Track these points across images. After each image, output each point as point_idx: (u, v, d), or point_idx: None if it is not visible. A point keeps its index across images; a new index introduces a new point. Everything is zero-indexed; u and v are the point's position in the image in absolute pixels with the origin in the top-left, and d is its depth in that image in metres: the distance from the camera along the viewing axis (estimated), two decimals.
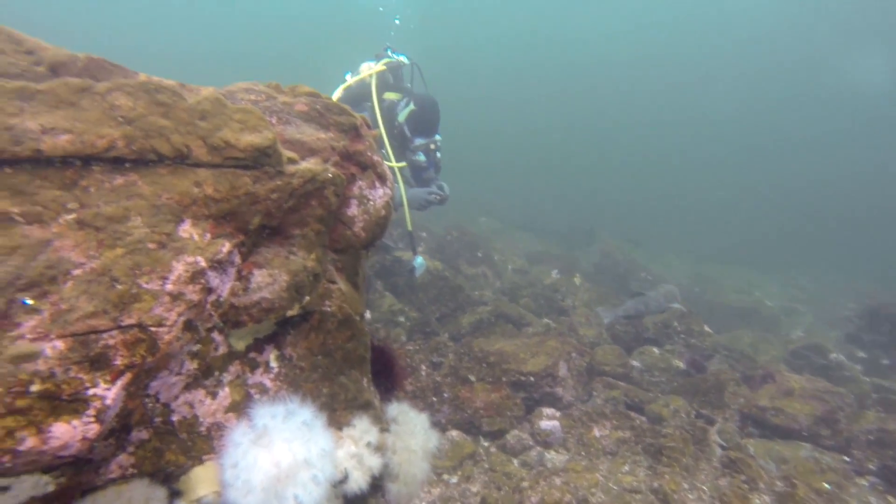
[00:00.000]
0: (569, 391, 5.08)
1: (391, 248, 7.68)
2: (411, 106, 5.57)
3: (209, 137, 2.03)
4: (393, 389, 2.74)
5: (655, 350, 6.40)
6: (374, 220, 2.51)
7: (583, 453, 4.46)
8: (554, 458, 4.43)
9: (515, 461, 4.37)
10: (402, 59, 6.24)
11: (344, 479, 2.14)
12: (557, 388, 4.98)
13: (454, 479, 4.08)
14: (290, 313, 2.03)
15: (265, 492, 1.77)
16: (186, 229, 1.87)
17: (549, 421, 4.68)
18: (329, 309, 2.25)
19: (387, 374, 2.75)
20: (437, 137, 5.72)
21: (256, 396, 1.99)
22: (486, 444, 4.63)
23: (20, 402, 1.43)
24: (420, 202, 5.63)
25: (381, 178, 2.62)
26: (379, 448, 2.22)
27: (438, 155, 5.86)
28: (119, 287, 1.65)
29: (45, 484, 1.52)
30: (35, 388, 1.45)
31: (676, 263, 15.64)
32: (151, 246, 1.77)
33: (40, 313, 1.56)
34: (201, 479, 1.82)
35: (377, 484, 2.27)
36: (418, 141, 5.66)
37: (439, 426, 4.71)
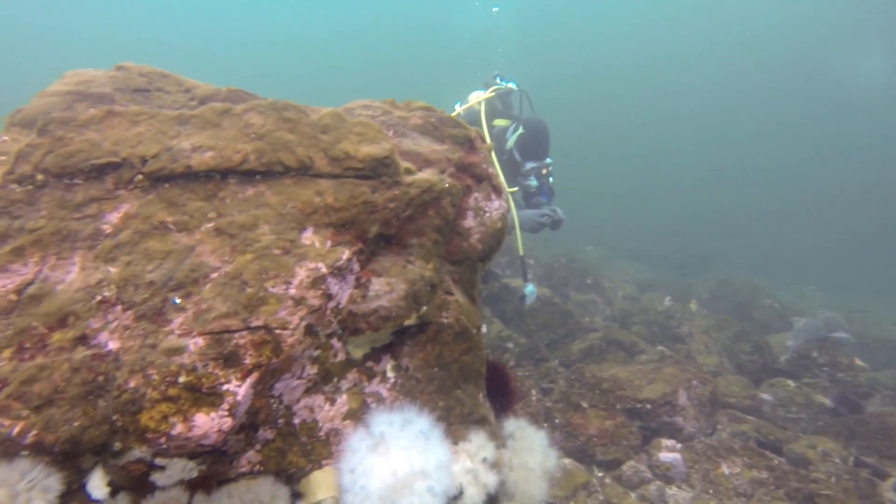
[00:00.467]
0: (690, 422, 4.67)
1: (498, 275, 7.61)
2: (520, 130, 5.53)
3: (330, 149, 2.11)
4: (507, 408, 2.65)
5: (790, 383, 5.74)
6: (490, 232, 2.48)
7: (710, 492, 4.05)
8: (677, 494, 4.06)
9: (633, 495, 4.06)
10: (511, 85, 6.24)
11: (458, 495, 2.08)
12: (677, 417, 4.60)
13: None
14: (407, 322, 2.03)
15: (381, 500, 1.75)
16: (309, 237, 1.94)
17: (669, 453, 4.32)
18: (446, 320, 2.23)
19: (501, 393, 2.67)
20: (548, 161, 5.59)
21: (373, 405, 2.00)
22: (599, 474, 4.35)
23: (172, 391, 1.53)
24: (532, 224, 5.46)
25: (497, 191, 2.60)
26: (495, 465, 2.14)
27: (551, 180, 5.74)
28: (248, 290, 1.74)
29: (190, 469, 1.60)
30: (182, 379, 1.55)
31: (810, 292, 14.10)
32: (277, 252, 1.85)
33: (186, 312, 1.67)
34: (321, 483, 1.84)
35: (492, 502, 2.18)
36: (529, 165, 5.55)
37: None
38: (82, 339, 1.59)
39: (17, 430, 1.44)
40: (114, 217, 1.81)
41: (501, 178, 2.65)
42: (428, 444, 1.83)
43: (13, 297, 1.64)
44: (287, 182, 2.04)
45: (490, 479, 2.10)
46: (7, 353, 1.54)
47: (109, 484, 1.58)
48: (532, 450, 2.14)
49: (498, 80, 6.37)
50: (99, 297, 1.66)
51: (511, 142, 5.52)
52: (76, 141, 1.88)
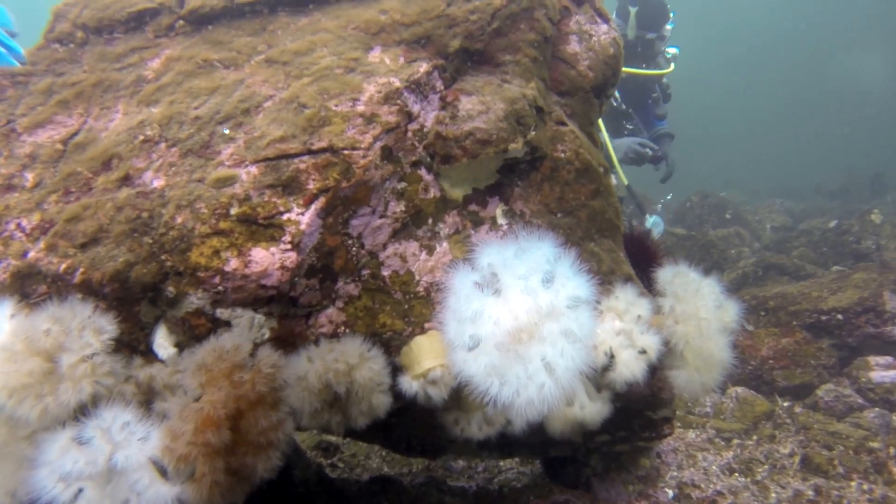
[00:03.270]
0: None
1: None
2: (635, 7, 4.86)
3: None
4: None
5: None
6: (601, 59, 1.97)
7: None
8: None
9: (841, 425, 3.24)
10: None
11: (609, 364, 1.59)
12: (888, 327, 3.64)
13: (751, 442, 3.15)
14: (512, 148, 1.59)
15: (502, 351, 1.32)
16: (377, 55, 1.58)
17: (887, 371, 3.41)
18: (563, 154, 1.76)
19: (647, 267, 2.12)
20: (669, 26, 4.81)
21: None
22: (785, 403, 3.56)
23: (223, 224, 1.25)
24: (630, 152, 4.74)
25: (602, 15, 2.08)
26: (654, 325, 1.62)
27: (665, 82, 4.99)
28: (307, 111, 1.41)
29: (260, 325, 1.29)
30: (234, 210, 1.26)
31: None
32: (339, 71, 1.51)
33: (236, 142, 1.38)
34: (425, 350, 1.45)
35: (654, 372, 1.66)
36: (649, 35, 4.76)
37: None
38: (126, 180, 1.36)
39: (63, 266, 1.22)
40: (155, 63, 1.59)
41: (604, 6, 2.12)
42: (555, 273, 1.36)
43: (59, 146, 1.46)
44: (345, 5, 1.70)
45: (650, 341, 1.58)
46: (54, 197, 1.36)
47: (177, 345, 1.31)
48: (702, 295, 1.58)
49: None
50: (142, 137, 1.42)
51: (631, 31, 4.73)
52: None
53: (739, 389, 3.63)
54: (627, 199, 5.00)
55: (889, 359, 3.59)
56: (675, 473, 2.74)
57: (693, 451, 2.93)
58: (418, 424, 1.97)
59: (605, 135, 4.54)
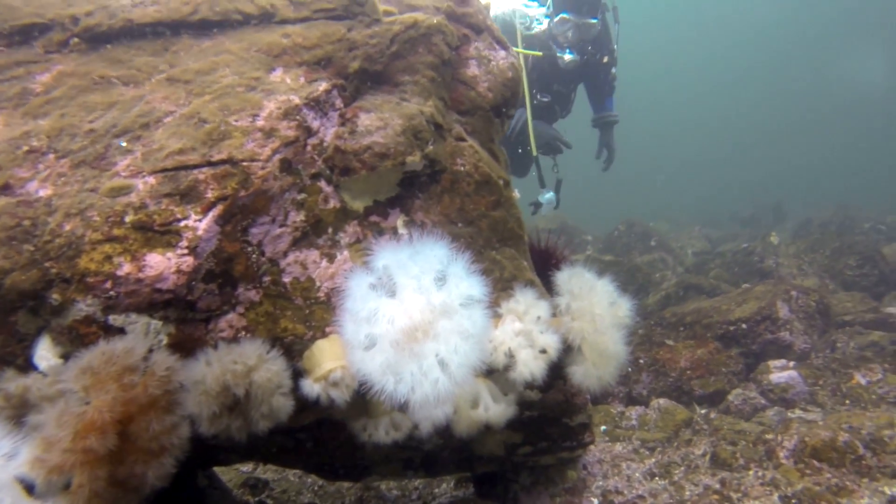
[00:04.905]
0: (799, 337, 3.98)
1: None
2: None
3: None
4: None
5: None
6: (500, 80, 2.12)
7: (848, 403, 3.36)
8: (803, 416, 3.40)
9: (747, 425, 3.43)
10: None
11: (509, 364, 1.66)
12: (782, 332, 3.93)
13: (671, 448, 3.28)
14: (409, 160, 1.68)
15: (397, 349, 1.37)
16: (278, 75, 1.65)
17: (782, 373, 3.66)
18: (462, 168, 1.86)
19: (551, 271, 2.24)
20: (593, 21, 4.32)
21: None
22: (702, 410, 3.74)
23: (117, 231, 1.26)
24: (547, 138, 4.54)
25: (501, 43, 2.24)
26: (552, 326, 1.71)
27: (613, 70, 4.69)
28: (207, 126, 1.45)
29: (156, 331, 1.29)
30: (129, 218, 1.28)
31: None
32: (240, 90, 1.56)
33: (133, 154, 1.41)
34: (326, 353, 1.48)
35: (555, 370, 1.74)
36: (562, 16, 4.31)
37: (641, 400, 3.94)
38: (6, 189, 1.34)
39: None
40: (45, 77, 1.59)
41: (501, 35, 2.29)
42: (448, 273, 1.44)
43: None
44: (249, 30, 1.77)
45: (549, 340, 1.67)
46: None
47: (63, 356, 1.28)
48: (596, 292, 1.69)
49: None
50: (26, 147, 1.41)
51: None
52: None
53: (662, 401, 3.79)
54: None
55: (783, 361, 3.86)
56: (600, 483, 2.81)
57: (619, 461, 3.03)
58: (336, 441, 1.97)
59: (528, 117, 4.40)
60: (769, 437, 2.92)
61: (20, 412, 1.18)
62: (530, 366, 1.65)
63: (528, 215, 5.00)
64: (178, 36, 1.73)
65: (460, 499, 2.96)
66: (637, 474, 2.80)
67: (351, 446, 1.89)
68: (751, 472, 2.56)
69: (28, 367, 1.27)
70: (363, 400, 1.51)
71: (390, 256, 1.44)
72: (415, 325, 1.39)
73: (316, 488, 3.11)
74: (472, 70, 2.09)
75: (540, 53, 4.45)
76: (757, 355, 4.05)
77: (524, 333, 1.68)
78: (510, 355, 1.66)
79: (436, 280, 1.42)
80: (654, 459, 3.09)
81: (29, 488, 1.10)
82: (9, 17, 1.63)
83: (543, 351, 1.68)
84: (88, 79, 1.57)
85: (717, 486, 2.45)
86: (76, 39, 1.65)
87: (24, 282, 1.21)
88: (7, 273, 1.20)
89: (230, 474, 3.10)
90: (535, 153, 4.52)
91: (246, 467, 3.24)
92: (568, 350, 1.73)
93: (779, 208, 12.46)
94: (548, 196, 4.78)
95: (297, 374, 1.47)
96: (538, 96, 4.69)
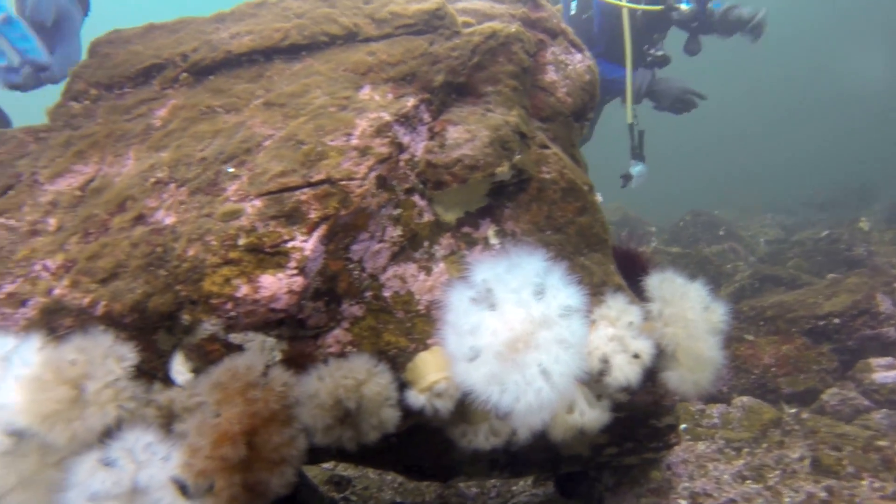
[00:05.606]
0: None
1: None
2: None
3: (376, 13, 1.90)
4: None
5: None
6: (578, 85, 2.11)
7: None
8: None
9: (849, 427, 3.26)
10: None
11: (604, 369, 1.66)
12: (885, 328, 3.69)
13: (760, 449, 3.16)
14: (499, 171, 1.70)
15: (500, 360, 1.39)
16: (366, 93, 1.71)
17: (888, 372, 3.44)
18: (548, 175, 1.87)
19: (637, 278, 2.21)
20: None
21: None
22: (791, 410, 3.58)
23: (232, 254, 1.34)
24: (676, 92, 4.08)
25: (576, 46, 2.23)
26: (644, 331, 1.70)
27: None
28: (305, 147, 1.52)
29: (271, 348, 1.37)
30: (242, 241, 1.36)
31: None
32: (332, 110, 1.63)
33: (240, 178, 1.49)
34: (429, 364, 1.52)
35: (650, 376, 1.73)
36: None
37: (721, 397, 3.81)
38: (140, 219, 1.46)
39: (87, 300, 1.31)
40: (162, 111, 1.71)
41: (578, 39, 2.27)
42: (546, 285, 1.45)
43: (78, 192, 1.58)
44: (335, 51, 1.84)
45: (643, 346, 1.66)
46: (74, 238, 1.46)
47: (193, 371, 1.38)
48: (688, 298, 1.67)
49: None
50: (153, 179, 1.53)
51: None
52: (121, 54, 1.82)
53: (745, 399, 3.66)
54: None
55: (889, 359, 3.64)
56: (686, 484, 2.75)
57: (704, 461, 2.96)
58: (428, 444, 2.02)
59: (628, 67, 4.04)
60: (882, 443, 2.76)
61: (168, 421, 1.29)
62: (625, 370, 1.64)
63: (617, 189, 4.71)
64: (271, 61, 1.82)
65: (541, 497, 2.97)
66: (726, 476, 2.72)
67: (439, 449, 1.94)
68: (864, 482, 2.44)
69: (167, 379, 1.38)
70: (463, 408, 1.55)
71: (488, 270, 1.46)
72: (516, 336, 1.41)
73: (396, 485, 3.18)
74: (551, 76, 2.09)
75: (660, 7, 4.14)
76: (853, 352, 3.83)
77: (617, 339, 1.67)
78: (604, 360, 1.66)
79: (534, 292, 1.44)
80: (742, 461, 2.99)
81: (181, 488, 1.20)
82: (135, 62, 1.78)
83: (637, 356, 1.67)
84: (196, 110, 1.68)
85: (824, 494, 2.35)
86: (185, 74, 1.76)
87: (163, 305, 1.31)
88: (150, 297, 1.30)
89: (313, 471, 3.23)
90: (630, 121, 4.20)
91: (327, 465, 3.36)
92: (661, 355, 1.71)
93: (866, 191, 11.55)
94: (638, 168, 4.41)
95: (402, 386, 1.53)
96: (651, 51, 4.30)
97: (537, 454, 2.40)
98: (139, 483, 1.19)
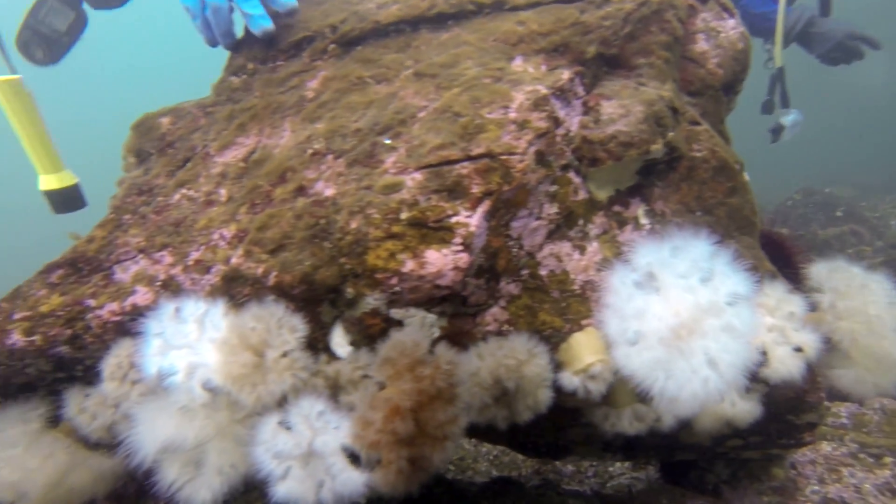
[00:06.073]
0: None
1: None
2: None
3: None
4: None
5: None
6: (730, 54, 1.96)
7: None
8: None
9: None
10: None
11: (761, 360, 1.56)
12: None
13: None
14: (653, 149, 1.61)
15: (664, 346, 1.33)
16: (519, 64, 1.65)
17: None
18: (699, 153, 1.76)
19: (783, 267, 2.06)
20: None
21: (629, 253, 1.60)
22: None
23: (395, 228, 1.34)
24: (839, 37, 3.45)
25: (728, 10, 2.06)
26: (811, 323, 1.57)
27: None
28: (462, 120, 1.49)
29: (430, 324, 1.38)
30: (404, 215, 1.35)
31: None
32: (486, 81, 1.58)
33: (398, 150, 1.48)
34: (584, 346, 1.48)
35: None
36: None
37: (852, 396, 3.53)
38: (300, 190, 1.48)
39: (260, 270, 1.35)
40: (314, 83, 1.73)
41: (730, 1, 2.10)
42: (712, 270, 1.36)
43: (242, 164, 1.62)
44: (482, 20, 1.79)
45: (807, 338, 1.54)
46: (243, 209, 1.50)
47: (352, 343, 1.41)
48: (870, 291, 1.52)
49: None
50: (310, 151, 1.54)
51: None
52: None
53: (885, 401, 3.36)
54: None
55: None
56: (816, 488, 2.58)
57: (835, 465, 2.76)
58: (555, 424, 2.01)
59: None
60: None
61: (334, 392, 1.33)
62: (787, 364, 1.54)
63: (766, 145, 4.14)
64: (418, 31, 1.79)
65: (644, 482, 2.89)
66: (867, 486, 2.53)
67: (557, 427, 1.91)
68: None
69: (326, 350, 1.42)
70: (607, 391, 1.51)
71: (652, 254, 1.40)
72: (682, 322, 1.34)
73: (491, 458, 3.20)
74: (701, 45, 1.95)
75: None
76: None
77: (777, 329, 1.57)
78: (762, 351, 1.56)
79: (701, 278, 1.36)
80: (888, 472, 2.76)
81: (352, 457, 1.24)
82: (287, 35, 1.80)
83: (800, 349, 1.55)
84: (347, 81, 1.68)
85: None
86: (333, 46, 1.77)
87: (329, 277, 1.33)
88: (317, 269, 1.33)
89: None
90: (779, 64, 3.62)
91: None
92: (830, 351, 1.59)
93: None
94: (792, 117, 3.80)
95: (554, 367, 1.50)
96: None
97: (656, 440, 2.33)
98: (316, 448, 1.23)
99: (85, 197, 2.12)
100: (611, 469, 3.05)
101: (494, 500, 2.52)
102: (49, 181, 2.03)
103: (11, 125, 1.99)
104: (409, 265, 1.31)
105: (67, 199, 2.06)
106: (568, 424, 1.92)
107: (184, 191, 1.58)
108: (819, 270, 1.61)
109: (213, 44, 1.86)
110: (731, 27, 2.01)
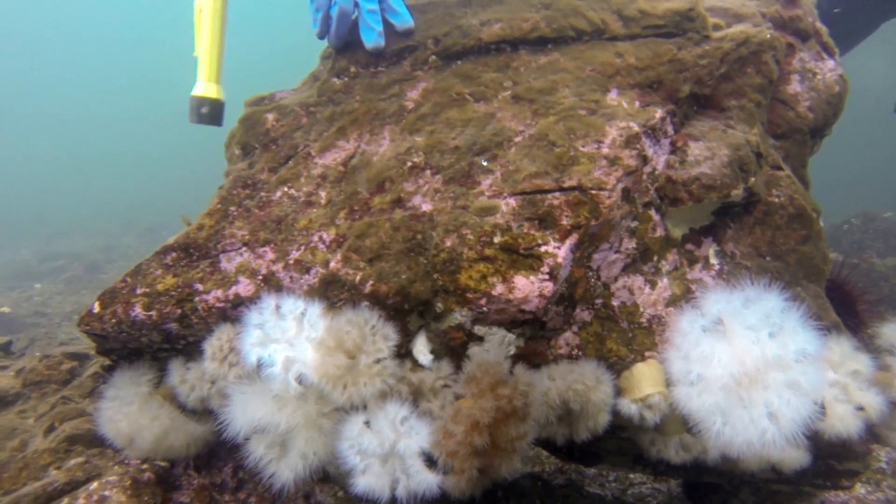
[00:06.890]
0: None
1: None
2: None
3: (624, 10, 1.84)
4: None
5: None
6: (823, 98, 1.96)
7: None
8: None
9: None
10: None
11: (819, 412, 1.61)
12: None
13: None
14: (733, 193, 1.65)
15: (725, 392, 1.40)
16: (614, 98, 1.69)
17: None
18: (777, 199, 1.79)
19: (845, 314, 2.08)
20: None
21: (698, 294, 1.65)
22: None
23: (488, 251, 1.42)
24: None
25: (828, 49, 2.05)
26: (878, 383, 1.62)
27: None
28: (557, 150, 1.55)
29: (509, 343, 1.47)
30: (497, 239, 1.43)
31: None
32: (582, 112, 1.63)
33: (494, 173, 1.55)
34: (645, 377, 1.56)
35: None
36: None
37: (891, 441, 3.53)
38: (398, 202, 1.57)
39: (358, 277, 1.45)
40: (414, 94, 1.80)
41: (831, 40, 2.08)
42: (783, 326, 1.42)
43: (341, 168, 1.70)
44: (581, 48, 1.82)
45: (871, 399, 1.59)
46: (342, 213, 1.59)
47: (432, 352, 1.52)
48: None
49: None
50: (409, 164, 1.63)
51: None
52: None
53: None
54: None
55: None
56: None
57: None
58: (598, 438, 2.10)
59: None
60: None
61: (415, 398, 1.44)
62: (846, 422, 1.59)
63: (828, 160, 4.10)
64: (517, 52, 1.84)
65: (665, 495, 2.97)
66: None
67: (595, 438, 2.00)
68: None
69: (408, 356, 1.53)
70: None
71: (724, 302, 1.46)
72: (745, 372, 1.40)
73: None
74: (794, 87, 1.95)
75: None
76: None
77: (840, 385, 1.62)
78: (821, 405, 1.61)
79: (770, 333, 1.42)
80: None
81: (429, 462, 1.36)
82: (390, 43, 1.87)
83: (861, 408, 1.60)
84: (447, 95, 1.75)
85: None
86: (434, 57, 1.84)
87: (423, 292, 1.43)
88: (412, 283, 1.43)
89: None
90: None
91: None
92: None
93: None
94: None
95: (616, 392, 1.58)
96: None
97: (690, 463, 2.40)
98: (397, 449, 1.35)
99: (223, 119, 2.15)
100: (632, 476, 3.13)
101: (522, 500, 2.64)
102: (208, 88, 2.10)
103: (202, 27, 2.05)
104: (499, 289, 1.40)
105: (212, 112, 2.11)
106: (606, 436, 2.02)
107: (285, 188, 1.68)
108: (890, 330, 1.65)
109: (322, 37, 1.93)
110: (830, 69, 2.01)
